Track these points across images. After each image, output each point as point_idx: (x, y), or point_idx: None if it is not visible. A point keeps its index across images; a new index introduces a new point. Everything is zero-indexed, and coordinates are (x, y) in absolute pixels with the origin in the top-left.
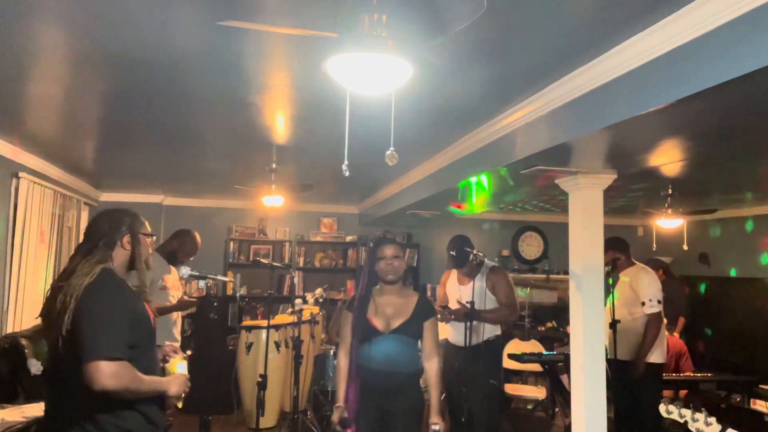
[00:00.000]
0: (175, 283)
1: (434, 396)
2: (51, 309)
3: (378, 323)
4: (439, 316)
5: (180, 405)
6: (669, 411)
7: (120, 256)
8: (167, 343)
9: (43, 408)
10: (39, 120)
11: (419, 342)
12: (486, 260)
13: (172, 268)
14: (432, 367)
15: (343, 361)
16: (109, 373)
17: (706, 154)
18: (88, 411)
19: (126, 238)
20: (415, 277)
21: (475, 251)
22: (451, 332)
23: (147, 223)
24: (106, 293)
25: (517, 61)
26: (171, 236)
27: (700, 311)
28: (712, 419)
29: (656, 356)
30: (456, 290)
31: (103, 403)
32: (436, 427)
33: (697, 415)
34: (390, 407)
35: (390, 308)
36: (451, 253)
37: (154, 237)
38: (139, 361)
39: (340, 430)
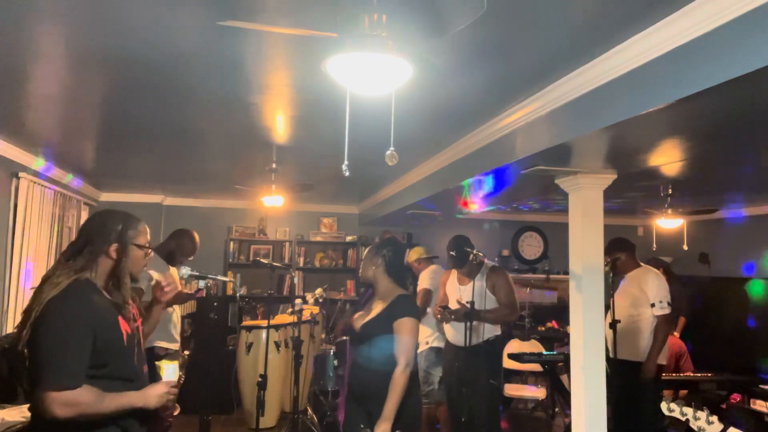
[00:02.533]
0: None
1: (387, 403)
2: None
3: (356, 323)
4: (439, 316)
5: (176, 411)
6: (671, 409)
7: (105, 264)
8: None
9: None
10: (39, 120)
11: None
12: (486, 260)
13: (172, 269)
14: (395, 371)
15: None
16: (59, 403)
17: (706, 154)
18: (64, 424)
19: (113, 248)
20: (415, 277)
21: (474, 251)
22: (451, 332)
23: (146, 231)
24: (65, 312)
25: (517, 61)
26: (169, 236)
27: (700, 311)
28: (714, 418)
29: (660, 357)
30: (456, 290)
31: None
32: None
33: (699, 414)
34: (373, 411)
35: (370, 309)
36: (451, 253)
37: (150, 251)
38: (112, 380)
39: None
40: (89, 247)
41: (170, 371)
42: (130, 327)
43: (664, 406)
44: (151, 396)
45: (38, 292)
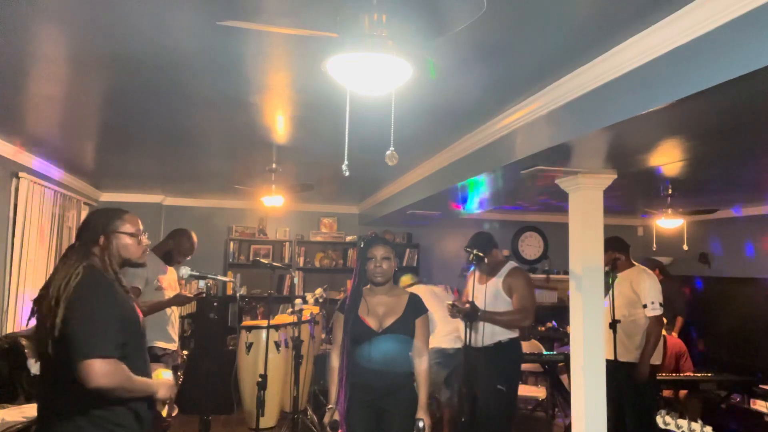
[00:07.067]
0: (172, 284)
1: (422, 393)
2: (41, 312)
3: (371, 322)
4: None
5: (164, 413)
6: (666, 422)
7: (101, 255)
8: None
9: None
10: (39, 120)
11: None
12: (510, 261)
13: (170, 268)
14: (421, 364)
15: (335, 362)
16: (103, 372)
17: (706, 154)
18: (81, 406)
19: (102, 240)
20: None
21: (475, 251)
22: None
23: (131, 221)
24: (95, 292)
25: (517, 61)
26: (167, 236)
27: (699, 311)
28: (708, 429)
29: (654, 358)
30: (473, 289)
31: (96, 400)
32: (421, 424)
33: (694, 425)
34: (385, 406)
35: (381, 307)
36: (467, 250)
37: (141, 235)
38: (130, 360)
39: None
40: (78, 242)
41: (168, 375)
42: (141, 313)
43: (659, 419)
44: (163, 386)
45: (52, 287)
